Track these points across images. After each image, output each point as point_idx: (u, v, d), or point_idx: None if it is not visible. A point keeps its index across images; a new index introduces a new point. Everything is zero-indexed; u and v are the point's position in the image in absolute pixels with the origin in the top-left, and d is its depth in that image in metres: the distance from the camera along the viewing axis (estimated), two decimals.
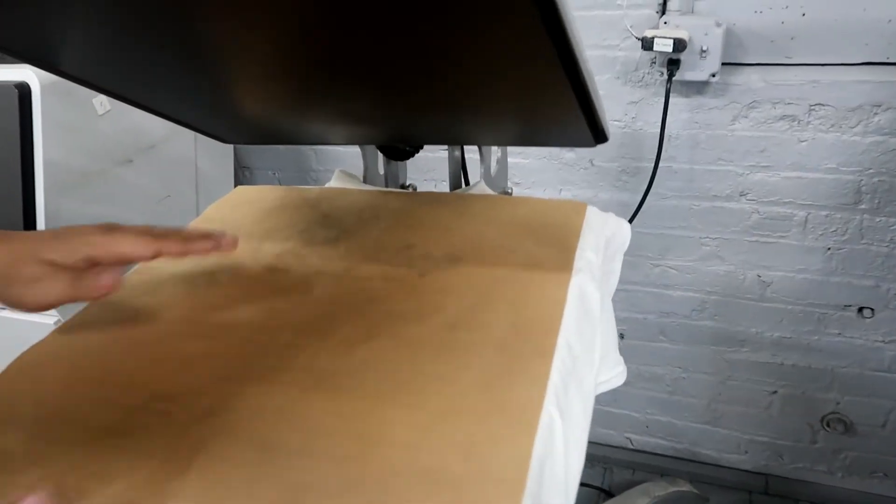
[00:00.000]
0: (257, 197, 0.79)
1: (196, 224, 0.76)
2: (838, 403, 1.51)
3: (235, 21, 0.51)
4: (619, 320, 1.57)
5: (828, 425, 1.54)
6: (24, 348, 0.61)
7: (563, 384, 0.49)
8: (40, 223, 0.99)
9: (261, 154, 1.64)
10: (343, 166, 0.88)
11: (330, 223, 0.71)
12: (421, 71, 0.54)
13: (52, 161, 0.99)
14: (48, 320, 1.05)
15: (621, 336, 1.65)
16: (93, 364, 0.53)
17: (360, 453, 0.43)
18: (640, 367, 1.65)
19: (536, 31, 0.39)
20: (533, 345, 0.51)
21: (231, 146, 1.46)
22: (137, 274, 0.66)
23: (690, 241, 1.46)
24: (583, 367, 0.53)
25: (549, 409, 0.46)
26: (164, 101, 0.72)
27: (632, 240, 1.35)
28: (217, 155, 1.40)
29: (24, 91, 0.98)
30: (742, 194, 1.37)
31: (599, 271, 0.65)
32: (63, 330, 0.59)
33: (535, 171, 1.47)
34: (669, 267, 1.51)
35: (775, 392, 1.56)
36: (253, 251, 0.67)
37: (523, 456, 0.41)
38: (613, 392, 1.77)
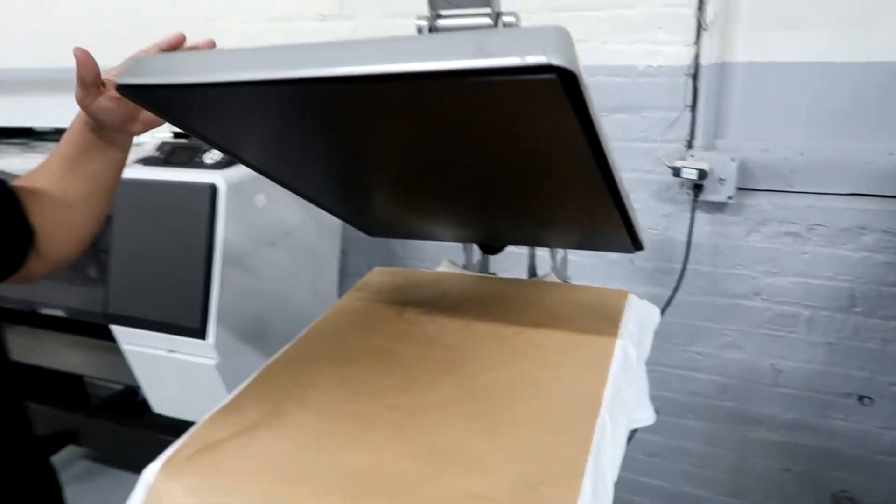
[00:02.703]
0: (393, 275, 1.12)
1: (353, 293, 1.08)
2: (847, 483, 1.72)
3: (384, 151, 0.84)
4: (652, 398, 1.83)
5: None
6: (190, 381, 0.87)
7: (612, 402, 0.78)
8: (215, 284, 1.33)
9: (357, 241, 1.99)
10: (423, 256, 1.20)
11: (448, 298, 1.03)
12: (515, 198, 0.87)
13: (227, 240, 1.34)
14: (209, 362, 1.37)
15: (655, 412, 1.89)
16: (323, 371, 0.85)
17: (492, 427, 0.72)
18: (670, 441, 1.89)
19: (600, 187, 0.71)
20: (593, 377, 0.80)
21: (338, 236, 1.81)
22: (323, 325, 0.98)
23: (714, 332, 1.73)
24: (625, 395, 0.82)
25: (604, 414, 0.75)
26: (326, 194, 1.05)
27: (664, 328, 1.65)
28: (328, 242, 1.75)
29: (213, 190, 1.34)
30: (756, 294, 1.65)
31: (637, 339, 0.95)
32: (290, 352, 0.90)
33: (586, 267, 1.78)
34: (696, 353, 1.78)
35: (790, 470, 1.77)
36: (398, 313, 0.99)
37: (588, 435, 0.70)
38: (647, 464, 2.01)
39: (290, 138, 0.84)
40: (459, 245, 1.22)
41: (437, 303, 1.01)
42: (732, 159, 1.51)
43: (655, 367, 1.83)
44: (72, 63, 0.73)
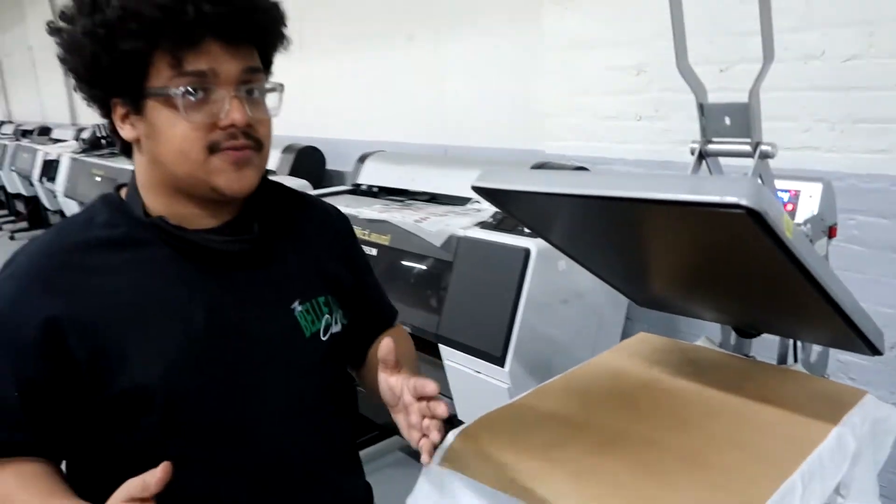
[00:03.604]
0: (653, 341, 1.36)
1: (616, 349, 1.35)
2: None
3: (649, 245, 1.10)
4: None
5: None
6: (486, 398, 1.20)
7: (809, 473, 0.93)
8: (517, 326, 1.70)
9: (642, 311, 2.22)
10: (700, 333, 1.40)
11: (694, 366, 1.24)
12: (754, 295, 1.06)
13: (531, 293, 1.71)
14: (503, 385, 1.75)
15: None
16: (558, 411, 1.15)
17: (696, 463, 0.94)
18: None
19: (816, 297, 0.89)
20: (798, 449, 0.96)
21: (625, 304, 2.07)
22: (586, 367, 1.27)
23: None
24: (827, 472, 0.96)
25: (797, 478, 0.91)
26: (604, 269, 1.34)
27: None
28: (615, 308, 2.03)
29: (527, 253, 1.73)
30: None
31: (863, 435, 1.05)
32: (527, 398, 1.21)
33: (870, 371, 1.76)
34: None
35: None
36: (647, 370, 1.24)
37: (774, 486, 0.88)
38: None
39: (582, 229, 1.17)
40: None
41: (683, 368, 1.23)
42: None
43: None
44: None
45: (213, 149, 0.82)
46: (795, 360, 1.35)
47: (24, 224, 7.78)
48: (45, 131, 7.94)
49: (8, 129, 9.38)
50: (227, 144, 0.82)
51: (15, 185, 7.16)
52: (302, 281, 0.96)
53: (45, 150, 5.88)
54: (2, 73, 11.69)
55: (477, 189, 1.05)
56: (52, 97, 9.01)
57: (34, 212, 7.51)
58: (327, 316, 0.97)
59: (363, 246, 2.17)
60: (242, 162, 0.84)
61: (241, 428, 0.88)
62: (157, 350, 0.82)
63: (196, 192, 0.86)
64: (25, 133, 8.23)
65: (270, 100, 0.90)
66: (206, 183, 0.84)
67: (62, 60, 0.83)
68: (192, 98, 0.80)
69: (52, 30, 0.84)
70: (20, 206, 7.92)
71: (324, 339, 0.96)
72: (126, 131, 0.85)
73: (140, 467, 0.68)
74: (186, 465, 0.74)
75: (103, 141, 5.34)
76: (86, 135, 5.83)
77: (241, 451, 0.89)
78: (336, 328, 0.98)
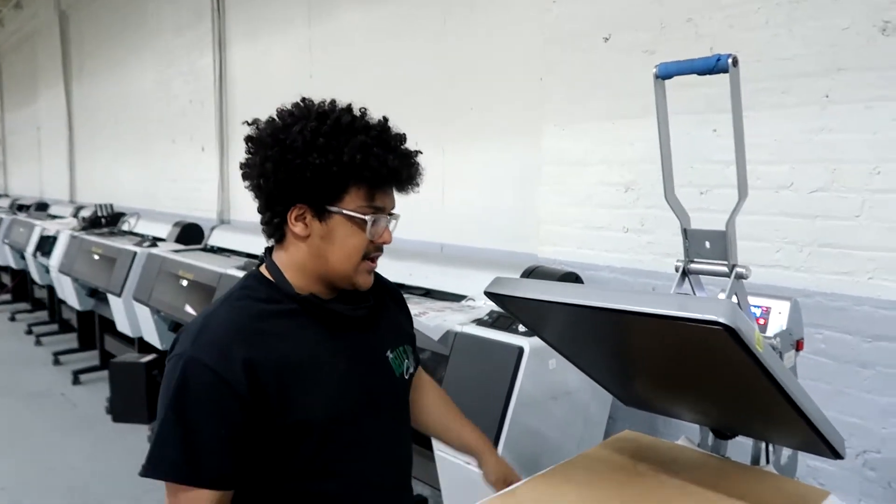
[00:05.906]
0: (637, 438, 1.47)
1: (603, 445, 1.46)
2: None
3: (635, 350, 1.23)
4: None
5: None
6: (476, 490, 1.33)
7: None
8: (508, 418, 1.80)
9: (624, 410, 2.32)
10: (678, 431, 1.51)
11: (675, 464, 1.35)
12: (731, 400, 1.19)
13: (522, 388, 1.82)
14: None
15: None
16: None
17: None
18: None
19: (783, 405, 1.02)
20: None
21: (609, 404, 2.18)
22: (576, 459, 1.37)
23: None
24: None
25: None
26: (594, 369, 1.46)
27: None
28: (600, 407, 2.13)
29: (521, 351, 1.85)
30: None
31: None
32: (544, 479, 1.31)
33: (836, 478, 1.87)
34: None
35: None
36: (633, 465, 1.34)
37: None
38: None
39: (576, 332, 1.30)
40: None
41: (665, 465, 1.33)
42: None
43: None
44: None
45: (364, 256, 1.13)
46: (767, 462, 1.46)
47: (7, 296, 7.79)
48: (42, 207, 8.09)
49: (4, 202, 9.52)
50: (373, 255, 1.15)
51: (5, 258, 7.22)
52: (390, 335, 1.27)
53: (43, 226, 5.99)
54: (4, 150, 11.96)
55: (488, 294, 1.19)
56: (53, 175, 9.23)
57: (20, 285, 7.54)
58: (407, 361, 1.29)
59: None
60: (374, 268, 1.18)
61: (365, 446, 1.16)
62: (317, 392, 1.09)
63: (336, 281, 1.15)
64: (22, 207, 8.37)
65: None
66: (350, 279, 1.14)
67: (275, 165, 1.07)
68: (372, 223, 1.10)
69: (280, 147, 1.07)
70: (5, 279, 7.95)
71: (406, 378, 1.28)
72: (298, 228, 1.11)
73: (295, 481, 1.09)
74: (330, 476, 1.12)
75: (103, 220, 5.49)
76: (86, 213, 5.98)
77: (363, 464, 1.16)
78: (412, 370, 1.31)
